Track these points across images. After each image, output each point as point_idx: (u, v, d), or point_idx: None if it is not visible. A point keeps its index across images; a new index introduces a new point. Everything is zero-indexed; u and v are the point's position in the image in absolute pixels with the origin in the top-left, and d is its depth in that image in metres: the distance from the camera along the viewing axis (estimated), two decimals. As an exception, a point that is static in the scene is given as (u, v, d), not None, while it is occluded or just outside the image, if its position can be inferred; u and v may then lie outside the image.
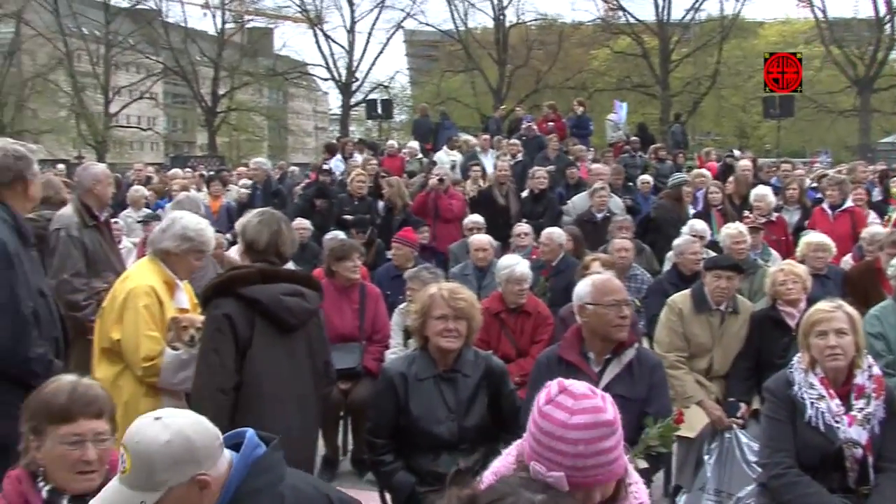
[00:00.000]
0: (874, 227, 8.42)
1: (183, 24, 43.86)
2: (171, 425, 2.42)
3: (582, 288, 4.41)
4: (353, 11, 42.51)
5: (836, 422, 4.01)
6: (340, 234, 8.81)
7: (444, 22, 43.23)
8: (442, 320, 4.23)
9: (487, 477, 2.38)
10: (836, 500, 3.99)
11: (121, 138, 49.48)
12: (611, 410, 2.27)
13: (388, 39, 44.26)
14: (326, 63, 42.81)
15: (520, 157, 15.28)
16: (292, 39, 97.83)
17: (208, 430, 2.50)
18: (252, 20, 46.15)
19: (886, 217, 10.19)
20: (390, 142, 19.74)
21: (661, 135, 27.00)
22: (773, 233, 9.26)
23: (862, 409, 4.01)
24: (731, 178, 12.20)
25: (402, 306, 6.77)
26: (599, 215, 10.60)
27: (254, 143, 49.10)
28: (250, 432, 2.65)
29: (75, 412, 2.81)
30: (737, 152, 18.53)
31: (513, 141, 16.51)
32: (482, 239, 8.39)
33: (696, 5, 40.37)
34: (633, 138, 18.53)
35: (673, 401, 4.92)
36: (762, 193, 9.83)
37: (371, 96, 38.53)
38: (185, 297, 4.66)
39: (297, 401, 4.22)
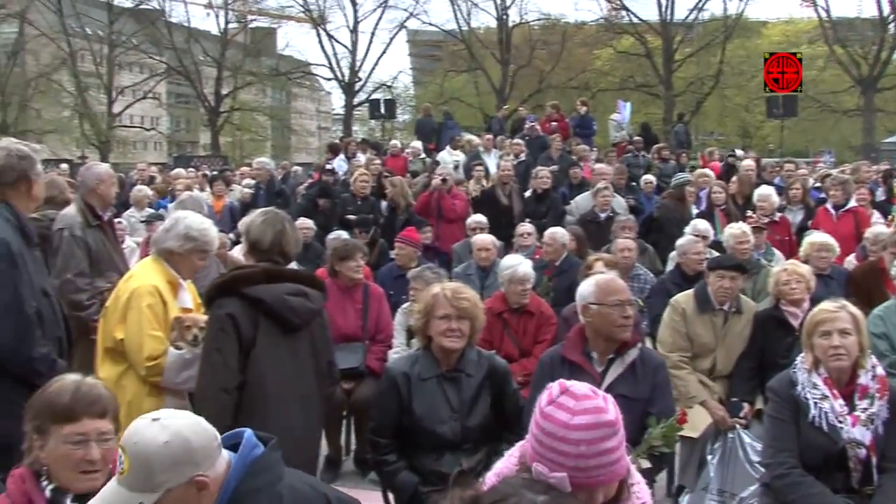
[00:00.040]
0: (878, 227, 8.41)
1: (186, 24, 43.93)
2: (170, 426, 2.42)
3: (585, 288, 4.41)
4: (356, 11, 42.60)
5: (840, 422, 4.00)
6: (344, 234, 8.81)
7: (447, 22, 43.39)
8: (445, 320, 4.23)
9: (490, 478, 2.38)
10: (840, 500, 3.98)
11: (124, 138, 49.55)
12: (612, 411, 2.27)
13: (392, 39, 44.45)
14: (329, 63, 42.89)
15: (523, 156, 15.28)
16: (295, 39, 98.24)
17: (206, 430, 2.50)
18: (255, 20, 46.27)
19: (890, 217, 10.17)
20: (393, 142, 19.76)
21: (665, 135, 27.00)
22: (777, 233, 9.25)
23: (865, 409, 4.01)
24: (734, 178, 12.19)
25: (405, 306, 6.77)
26: (603, 215, 10.59)
27: (257, 142, 49.16)
28: (248, 432, 2.65)
29: (79, 412, 2.81)
30: (739, 152, 18.51)
31: (516, 140, 16.51)
32: (485, 239, 8.39)
33: (700, 5, 40.42)
34: (637, 138, 18.53)
35: (676, 401, 4.91)
36: (766, 193, 9.82)
37: (374, 96, 38.54)
38: (189, 296, 4.67)
39: (301, 400, 4.22)
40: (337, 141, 21.50)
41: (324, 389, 4.44)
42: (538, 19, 43.06)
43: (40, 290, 4.27)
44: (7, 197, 4.26)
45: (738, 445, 5.43)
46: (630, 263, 7.90)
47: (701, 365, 5.82)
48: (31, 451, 2.85)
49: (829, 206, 9.88)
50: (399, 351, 6.44)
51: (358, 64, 42.66)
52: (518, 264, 6.53)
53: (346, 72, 42.54)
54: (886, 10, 37.04)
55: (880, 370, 4.14)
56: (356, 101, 42.27)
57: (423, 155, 17.33)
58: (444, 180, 11.21)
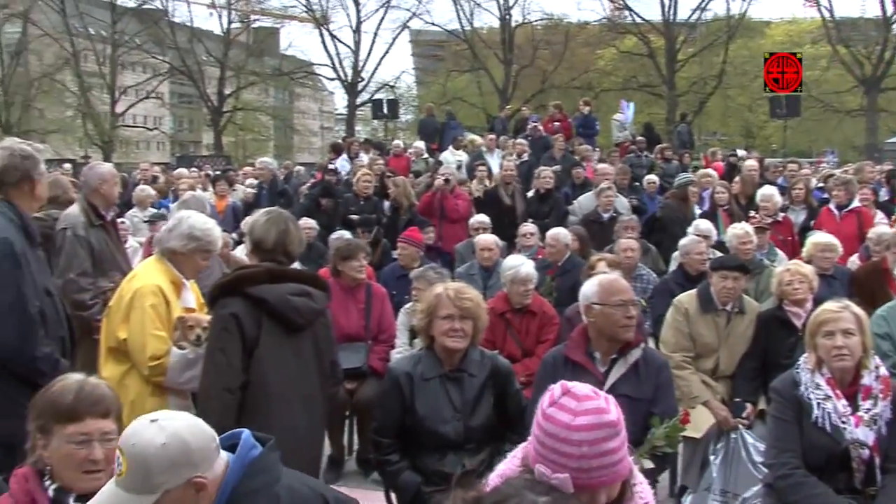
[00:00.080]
0: (881, 227, 8.40)
1: (189, 24, 44.01)
2: (167, 427, 2.41)
3: (588, 288, 4.41)
4: (358, 11, 42.62)
5: (843, 422, 4.00)
6: (346, 234, 8.81)
7: (449, 22, 43.37)
8: (448, 320, 4.23)
9: (493, 479, 2.38)
10: (843, 500, 3.98)
11: (127, 138, 49.64)
12: (614, 411, 2.27)
13: (394, 39, 44.36)
14: (332, 63, 42.94)
15: (526, 156, 15.28)
16: (298, 39, 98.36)
17: (204, 432, 2.50)
18: (258, 20, 46.32)
19: (893, 217, 10.17)
20: (396, 142, 19.78)
21: (667, 135, 26.97)
22: (780, 233, 9.25)
23: (869, 409, 4.00)
24: (737, 178, 12.19)
25: (407, 306, 6.77)
26: (606, 215, 10.59)
27: (259, 142, 49.22)
28: (246, 433, 2.65)
29: (82, 411, 2.81)
30: (741, 152, 18.51)
31: (520, 140, 16.51)
32: (488, 239, 8.39)
33: (703, 5, 40.48)
34: (639, 138, 18.55)
35: (679, 401, 4.91)
36: (768, 193, 9.82)
37: (377, 96, 38.63)
38: (192, 296, 4.67)
39: (304, 401, 4.22)
40: (340, 141, 21.50)
41: (327, 389, 4.44)
42: (541, 19, 43.10)
43: (43, 289, 4.27)
44: (10, 196, 4.27)
45: (741, 446, 5.43)
46: (633, 263, 7.90)
47: (704, 365, 5.82)
48: (34, 450, 2.85)
49: (832, 206, 9.87)
50: (402, 351, 6.44)
51: (361, 64, 42.80)
52: (520, 265, 6.53)
53: (349, 72, 42.63)
54: (890, 10, 37.04)
55: (884, 371, 4.13)
56: (359, 100, 42.30)
57: (425, 155, 17.35)
58: (446, 180, 11.21)
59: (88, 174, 6.25)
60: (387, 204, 11.93)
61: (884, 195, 12.58)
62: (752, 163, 13.93)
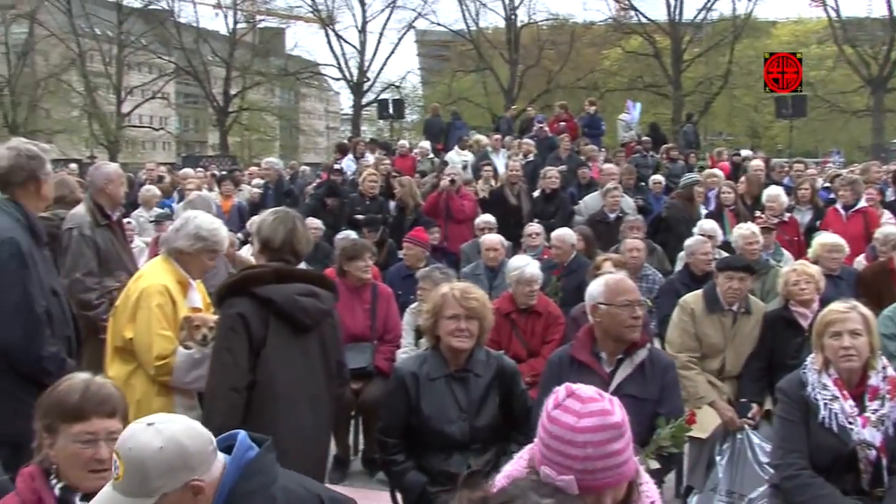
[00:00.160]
0: (887, 227, 8.35)
1: (195, 25, 44.08)
2: (164, 431, 2.41)
3: (595, 288, 4.40)
4: (364, 11, 42.66)
5: (850, 423, 3.99)
6: (352, 234, 8.81)
7: (455, 22, 43.35)
8: (454, 320, 4.23)
9: (500, 480, 2.38)
10: (850, 502, 3.97)
11: (133, 138, 49.71)
12: (618, 413, 2.27)
13: (400, 39, 44.38)
14: (338, 63, 42.98)
15: (531, 156, 15.27)
16: (304, 39, 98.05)
17: (201, 435, 2.49)
18: (264, 20, 46.36)
19: (900, 217, 10.13)
20: (402, 142, 19.76)
21: (673, 135, 26.93)
22: (786, 233, 9.23)
23: (876, 410, 3.99)
24: (742, 178, 12.17)
25: (413, 306, 6.77)
26: (612, 215, 10.58)
27: (265, 142, 49.24)
28: (242, 434, 2.65)
29: (88, 411, 2.82)
30: (745, 152, 18.47)
31: (526, 140, 16.50)
32: (493, 239, 8.38)
33: (709, 5, 40.39)
34: (645, 138, 18.51)
35: (685, 401, 4.90)
36: (774, 194, 9.80)
37: (382, 96, 38.59)
38: (198, 296, 4.67)
39: (310, 401, 4.22)
40: (345, 141, 21.52)
41: (333, 390, 4.43)
42: (547, 19, 43.07)
43: (49, 289, 4.28)
44: (16, 196, 4.28)
45: (747, 446, 5.42)
46: (639, 264, 7.89)
47: (710, 365, 5.81)
48: (40, 449, 2.85)
49: (838, 206, 9.85)
50: (407, 351, 6.43)
51: (366, 64, 42.78)
52: (525, 265, 6.52)
53: (355, 72, 42.62)
54: (897, 9, 36.94)
55: (891, 371, 4.12)
56: (364, 101, 42.32)
57: (431, 155, 17.34)
58: (452, 181, 11.20)
59: (94, 174, 6.26)
60: (392, 204, 11.94)
61: (890, 195, 12.51)
62: (757, 163, 13.92)
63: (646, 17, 40.68)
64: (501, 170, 13.77)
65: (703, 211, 10.99)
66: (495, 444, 4.26)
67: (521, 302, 6.48)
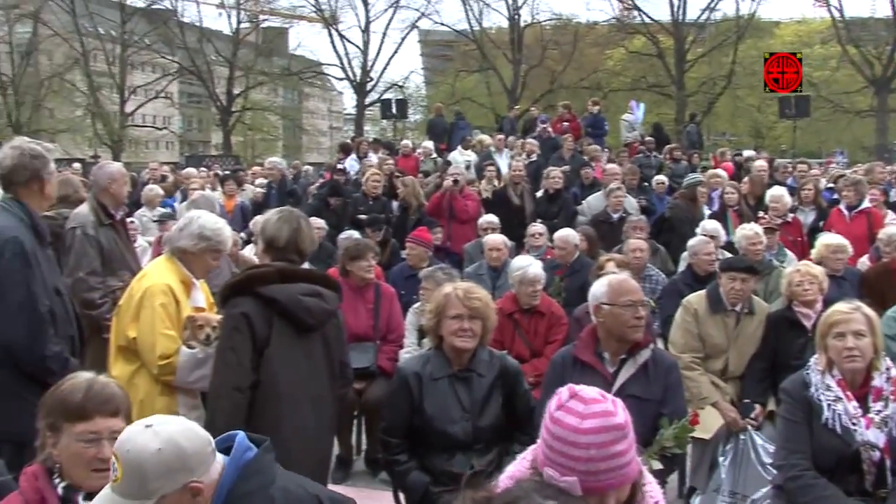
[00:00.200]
0: (891, 227, 8.34)
1: (198, 24, 44.07)
2: (162, 433, 2.41)
3: (598, 288, 4.40)
4: (367, 11, 42.64)
5: (854, 424, 3.98)
6: (355, 234, 8.82)
7: (458, 22, 43.38)
8: (457, 320, 4.23)
9: (503, 481, 2.38)
10: (853, 503, 3.96)
11: (136, 137, 49.77)
12: (621, 414, 2.26)
13: (403, 39, 44.44)
14: (341, 63, 42.95)
15: (534, 156, 15.27)
16: (307, 39, 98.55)
17: (200, 436, 2.49)
18: (267, 20, 46.37)
19: (905, 218, 10.12)
20: (405, 141, 19.76)
21: (676, 135, 26.97)
22: (789, 233, 9.22)
23: (879, 411, 3.99)
24: (745, 179, 12.16)
25: (416, 306, 6.77)
26: (615, 215, 10.58)
27: (268, 142, 49.29)
28: (240, 435, 2.65)
29: (91, 410, 2.82)
30: (747, 152, 18.46)
31: (529, 140, 16.50)
32: (496, 239, 8.38)
33: (712, 5, 40.32)
34: (648, 138, 18.53)
35: (688, 402, 4.89)
36: (778, 194, 9.80)
37: (386, 96, 38.58)
38: (202, 295, 4.67)
39: (313, 401, 4.21)
40: (348, 141, 21.53)
41: (337, 390, 4.43)
42: (550, 19, 43.07)
43: (53, 288, 4.29)
44: (20, 196, 4.29)
45: (750, 447, 5.42)
46: (642, 264, 7.88)
47: (713, 366, 5.80)
48: (43, 448, 2.86)
49: (842, 206, 9.84)
50: (410, 351, 6.44)
51: (370, 64, 42.79)
52: (528, 265, 6.52)
53: (358, 72, 42.61)
54: (901, 9, 36.86)
55: (894, 372, 4.11)
56: (368, 100, 42.33)
57: (434, 155, 17.35)
58: (455, 181, 11.20)
59: (98, 173, 6.27)
60: (395, 204, 11.94)
61: (894, 196, 12.53)
62: (761, 163, 13.90)
63: (649, 17, 40.64)
64: (504, 170, 13.79)
65: (707, 211, 10.98)
66: (498, 444, 4.26)
67: (524, 302, 6.48)
